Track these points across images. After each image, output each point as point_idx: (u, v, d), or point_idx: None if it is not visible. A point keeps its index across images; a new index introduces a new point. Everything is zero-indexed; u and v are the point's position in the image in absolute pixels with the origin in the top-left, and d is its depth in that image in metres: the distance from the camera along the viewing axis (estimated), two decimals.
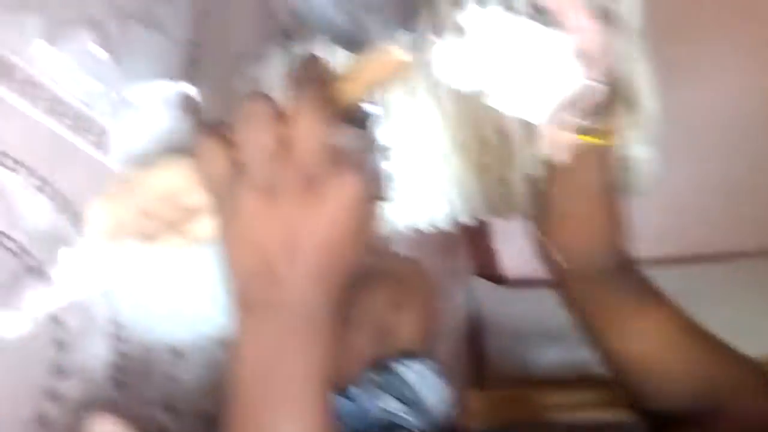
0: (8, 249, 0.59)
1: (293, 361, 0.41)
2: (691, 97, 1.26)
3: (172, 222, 0.43)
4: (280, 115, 0.38)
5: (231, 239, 0.40)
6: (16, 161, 0.62)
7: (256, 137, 0.38)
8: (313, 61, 0.40)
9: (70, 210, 0.66)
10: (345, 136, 0.39)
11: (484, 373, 1.69)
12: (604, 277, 0.63)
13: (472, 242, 1.71)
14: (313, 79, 0.38)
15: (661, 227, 1.26)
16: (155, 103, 0.43)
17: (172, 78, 0.82)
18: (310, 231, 0.38)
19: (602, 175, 0.57)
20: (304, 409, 0.41)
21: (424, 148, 0.57)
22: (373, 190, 0.41)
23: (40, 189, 0.63)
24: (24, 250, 0.61)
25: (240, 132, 0.39)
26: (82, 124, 0.69)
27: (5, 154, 0.61)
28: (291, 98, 0.39)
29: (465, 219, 1.10)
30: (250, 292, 0.40)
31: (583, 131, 0.50)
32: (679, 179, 1.23)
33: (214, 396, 0.83)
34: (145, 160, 0.43)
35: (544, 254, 0.68)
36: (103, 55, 0.72)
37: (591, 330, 0.66)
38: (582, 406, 1.44)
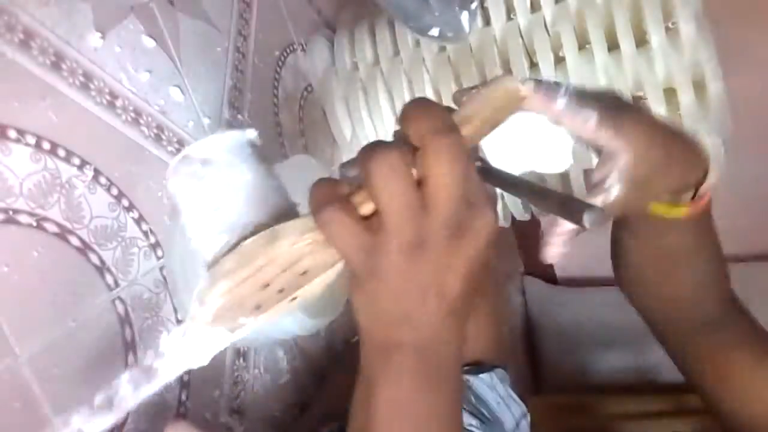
0: (73, 246, 0.57)
1: (431, 401, 0.39)
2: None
3: (285, 288, 0.39)
4: (409, 163, 0.34)
5: (369, 293, 0.37)
6: (83, 160, 0.59)
7: (396, 194, 0.34)
8: (429, 103, 0.36)
9: (127, 205, 0.64)
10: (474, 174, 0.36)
11: (540, 378, 1.63)
12: (708, 328, 0.57)
13: (525, 241, 1.67)
14: (444, 123, 0.35)
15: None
16: (225, 157, 0.39)
17: (226, 81, 0.80)
18: (452, 275, 0.36)
19: (679, 239, 0.53)
20: None
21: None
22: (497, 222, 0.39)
23: (101, 185, 0.61)
24: (88, 246, 0.58)
25: (376, 188, 0.34)
26: (138, 118, 0.67)
27: (72, 153, 0.59)
28: (420, 143, 0.35)
29: (519, 216, 1.07)
30: (386, 337, 0.38)
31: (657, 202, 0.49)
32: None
33: (280, 400, 0.80)
34: (244, 229, 0.39)
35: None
36: (150, 43, 0.70)
37: (702, 389, 0.59)
38: (649, 416, 1.36)
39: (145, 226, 0.66)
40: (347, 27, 1.04)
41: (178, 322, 0.67)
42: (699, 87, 0.78)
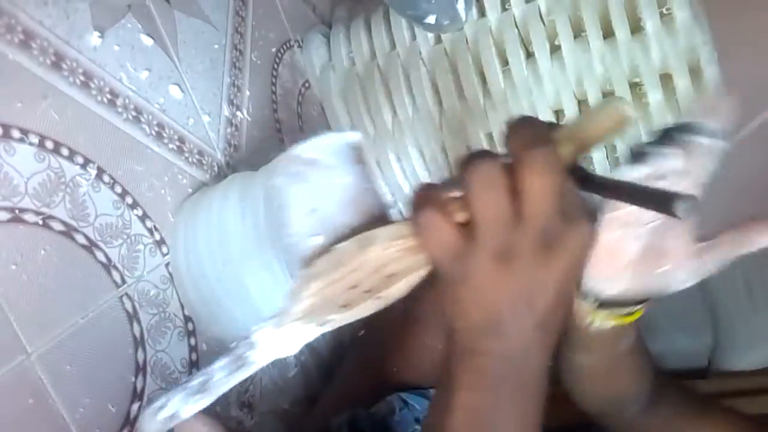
0: (79, 244, 0.57)
1: (510, 410, 0.39)
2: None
3: (372, 289, 0.40)
4: (506, 174, 0.35)
5: (458, 299, 0.38)
6: (86, 159, 0.60)
7: (491, 204, 0.35)
8: (532, 119, 0.37)
9: (130, 202, 0.64)
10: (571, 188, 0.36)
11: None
12: (650, 406, 0.60)
13: None
14: (540, 137, 0.35)
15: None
16: (329, 159, 0.40)
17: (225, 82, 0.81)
18: (542, 287, 0.36)
19: (629, 338, 0.55)
20: None
21: None
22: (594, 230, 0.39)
23: (105, 184, 0.61)
24: (94, 244, 0.59)
25: (473, 197, 0.35)
26: (139, 116, 0.67)
27: (75, 152, 0.59)
28: (516, 156, 0.35)
29: None
30: (471, 343, 0.38)
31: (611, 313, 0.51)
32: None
33: (289, 393, 0.81)
34: (338, 231, 0.40)
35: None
36: (148, 41, 0.70)
37: None
38: None
39: (149, 223, 0.66)
40: (343, 23, 1.04)
41: (185, 318, 0.68)
42: (695, 72, 0.79)
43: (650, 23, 0.77)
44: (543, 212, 0.34)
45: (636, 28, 0.79)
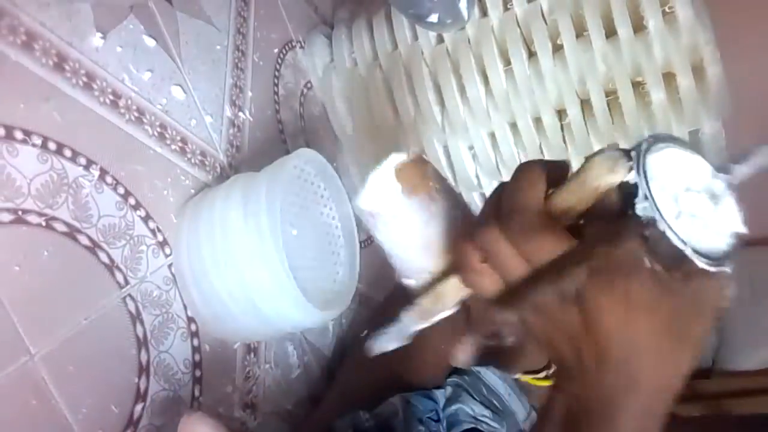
0: (82, 245, 0.57)
1: None
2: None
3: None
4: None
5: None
6: (89, 160, 0.60)
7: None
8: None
9: (133, 203, 0.64)
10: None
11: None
12: None
13: None
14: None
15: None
16: (388, 209, 0.43)
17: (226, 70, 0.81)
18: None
19: None
20: None
21: None
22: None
23: (108, 185, 0.61)
24: (97, 245, 0.59)
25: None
26: (141, 117, 0.67)
27: (78, 153, 0.59)
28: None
29: None
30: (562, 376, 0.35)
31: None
32: None
33: (292, 394, 0.81)
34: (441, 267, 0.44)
35: None
36: (150, 43, 0.70)
37: None
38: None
39: (152, 224, 0.66)
40: (345, 23, 1.04)
41: (189, 318, 0.68)
42: (698, 71, 0.79)
43: (653, 22, 0.77)
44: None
45: (638, 27, 0.79)
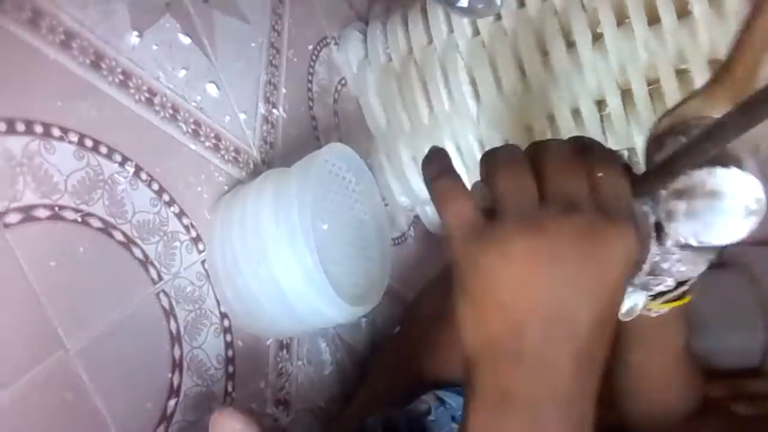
0: (117, 241, 0.58)
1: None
2: None
3: None
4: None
5: (471, 298, 0.32)
6: (124, 157, 0.61)
7: (515, 179, 0.32)
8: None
9: (167, 200, 0.65)
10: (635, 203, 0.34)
11: None
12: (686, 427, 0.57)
13: None
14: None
15: None
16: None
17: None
18: (581, 289, 0.30)
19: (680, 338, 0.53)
20: None
21: None
22: (639, 257, 0.35)
23: (142, 181, 0.62)
24: (132, 241, 0.60)
25: (497, 175, 0.32)
26: (176, 114, 0.68)
27: (113, 150, 0.60)
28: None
29: None
30: (489, 365, 0.32)
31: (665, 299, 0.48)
32: None
33: (324, 391, 0.80)
34: None
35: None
36: (186, 40, 0.71)
37: None
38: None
39: (186, 221, 0.66)
40: (380, 19, 1.03)
41: (222, 314, 0.68)
42: None
43: (698, 8, 0.73)
44: (609, 193, 0.31)
45: (682, 12, 0.76)
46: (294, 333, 0.76)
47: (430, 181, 0.34)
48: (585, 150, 0.33)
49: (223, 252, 0.66)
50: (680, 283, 0.47)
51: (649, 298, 0.48)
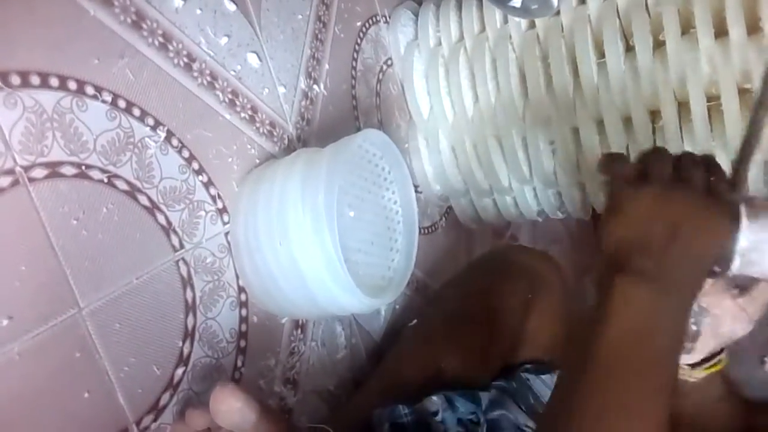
0: (142, 205, 0.58)
1: (662, 330, 0.44)
2: None
3: None
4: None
5: (622, 219, 0.47)
6: (157, 121, 0.60)
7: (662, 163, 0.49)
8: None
9: (197, 168, 0.64)
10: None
11: None
12: None
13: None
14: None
15: None
16: None
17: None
18: (692, 225, 0.46)
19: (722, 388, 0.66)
20: (668, 376, 0.44)
21: None
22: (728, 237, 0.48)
23: (173, 147, 0.62)
24: (156, 206, 0.59)
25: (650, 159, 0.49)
26: (214, 82, 0.67)
27: (146, 113, 0.59)
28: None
29: (599, 208, 1.01)
30: (626, 260, 0.45)
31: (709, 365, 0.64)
32: None
33: (335, 375, 0.80)
34: None
35: None
36: (231, 7, 0.69)
37: None
38: None
39: (213, 191, 0.66)
40: (434, 1, 1.00)
41: (239, 288, 0.68)
42: None
43: None
44: (718, 179, 0.48)
45: (753, 28, 0.71)
46: (308, 315, 0.75)
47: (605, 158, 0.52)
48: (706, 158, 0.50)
49: (246, 226, 0.66)
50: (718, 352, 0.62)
51: (689, 366, 0.62)
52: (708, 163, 0.49)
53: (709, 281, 0.56)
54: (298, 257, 0.62)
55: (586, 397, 0.42)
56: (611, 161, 0.51)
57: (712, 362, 0.62)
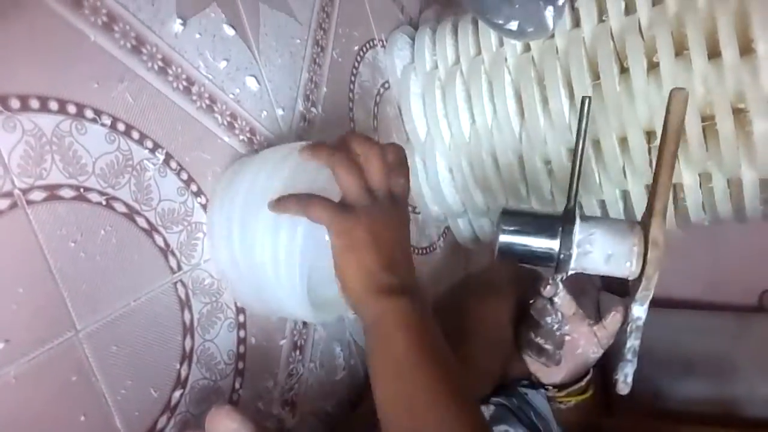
0: (140, 227, 0.58)
1: (432, 325, 0.53)
2: None
3: None
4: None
5: (357, 250, 0.53)
6: (155, 143, 0.61)
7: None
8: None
9: (195, 190, 0.65)
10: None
11: (611, 400, 1.54)
12: None
13: None
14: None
15: None
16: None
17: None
18: (399, 226, 0.57)
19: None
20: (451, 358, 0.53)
21: None
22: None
23: (172, 170, 0.62)
24: (154, 228, 0.59)
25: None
26: (213, 105, 0.68)
27: (145, 136, 0.60)
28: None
29: None
30: (382, 282, 0.52)
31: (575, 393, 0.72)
32: None
33: (333, 396, 0.79)
34: None
35: None
36: (230, 32, 0.70)
37: None
38: None
39: None
40: (429, 25, 1.02)
41: (237, 309, 0.68)
42: None
43: (763, 45, 0.70)
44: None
45: (745, 49, 0.72)
46: (276, 313, 0.71)
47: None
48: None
49: (222, 209, 0.64)
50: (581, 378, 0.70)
51: (555, 389, 0.71)
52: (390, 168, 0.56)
53: (571, 308, 0.65)
54: (258, 253, 0.60)
55: (405, 400, 0.49)
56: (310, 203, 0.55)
57: (575, 387, 0.70)
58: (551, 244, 0.60)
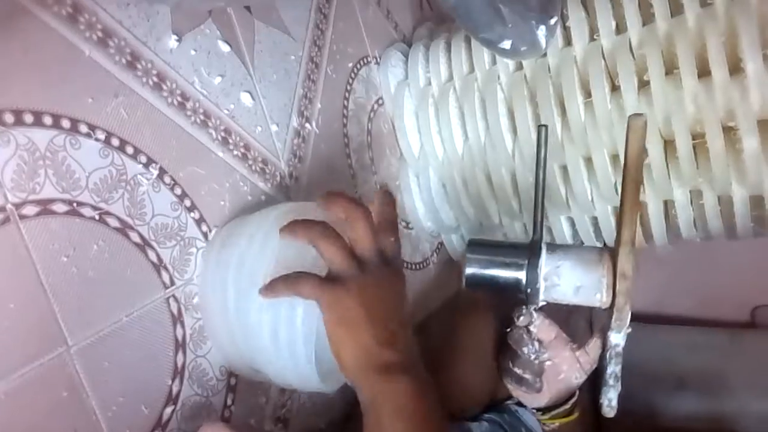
0: (133, 242, 0.58)
1: (433, 400, 0.51)
2: None
3: None
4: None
5: (353, 327, 0.52)
6: (149, 158, 0.61)
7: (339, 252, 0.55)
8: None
9: (188, 205, 0.65)
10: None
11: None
12: None
13: None
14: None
15: None
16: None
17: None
18: (395, 295, 0.55)
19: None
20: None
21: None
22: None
23: (165, 184, 0.62)
24: (147, 243, 0.59)
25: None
26: (207, 120, 0.68)
27: (140, 151, 0.60)
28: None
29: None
30: (380, 359, 0.50)
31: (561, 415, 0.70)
32: None
33: (326, 413, 0.79)
34: None
35: None
36: (225, 48, 0.71)
37: None
38: None
39: (204, 228, 0.66)
40: (423, 42, 1.02)
41: None
42: None
43: (751, 65, 0.71)
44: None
45: (735, 68, 0.73)
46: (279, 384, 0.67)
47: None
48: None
49: (214, 285, 0.63)
50: (564, 402, 0.69)
51: (540, 412, 0.70)
52: (378, 231, 0.55)
53: (551, 332, 0.64)
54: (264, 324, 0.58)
55: None
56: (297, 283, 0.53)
57: (560, 410, 0.69)
58: (518, 275, 0.58)
